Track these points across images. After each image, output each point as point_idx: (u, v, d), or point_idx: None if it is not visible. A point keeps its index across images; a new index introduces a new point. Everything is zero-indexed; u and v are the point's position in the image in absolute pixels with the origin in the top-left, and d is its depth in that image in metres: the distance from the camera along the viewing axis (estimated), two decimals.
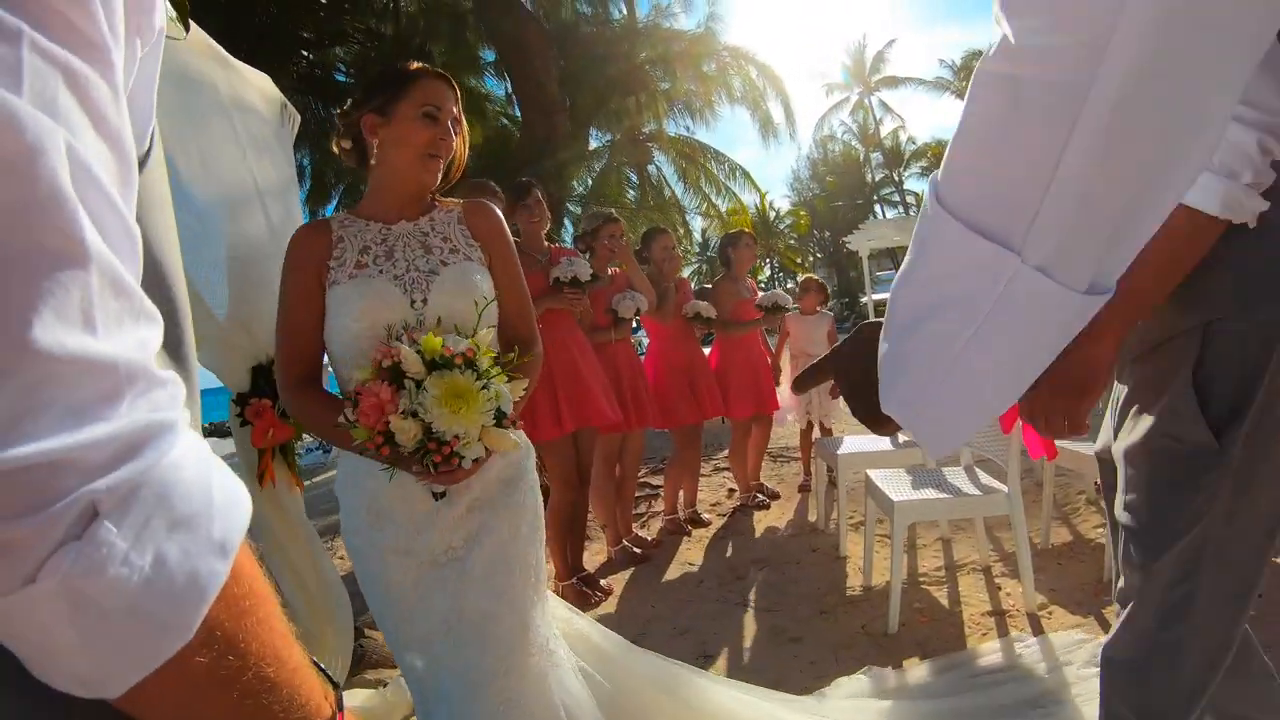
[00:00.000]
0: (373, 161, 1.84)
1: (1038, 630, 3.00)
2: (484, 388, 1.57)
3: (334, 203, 11.22)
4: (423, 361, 1.56)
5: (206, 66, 2.17)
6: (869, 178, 46.93)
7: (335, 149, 1.91)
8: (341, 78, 10.04)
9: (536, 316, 2.01)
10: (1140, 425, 1.42)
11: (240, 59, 2.36)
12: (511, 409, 1.62)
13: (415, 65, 1.84)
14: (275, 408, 2.47)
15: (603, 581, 3.99)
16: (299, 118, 2.72)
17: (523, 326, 1.92)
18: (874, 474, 3.57)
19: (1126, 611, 1.46)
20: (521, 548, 1.80)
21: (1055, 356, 0.78)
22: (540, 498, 1.91)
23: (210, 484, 0.48)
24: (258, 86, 2.49)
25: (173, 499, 0.45)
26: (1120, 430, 1.50)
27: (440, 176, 1.85)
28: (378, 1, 9.92)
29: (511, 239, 1.94)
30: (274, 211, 2.35)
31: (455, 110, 1.84)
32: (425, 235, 1.84)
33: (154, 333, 0.48)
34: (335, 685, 0.63)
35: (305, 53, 9.46)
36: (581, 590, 3.87)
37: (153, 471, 0.44)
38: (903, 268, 0.76)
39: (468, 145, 1.93)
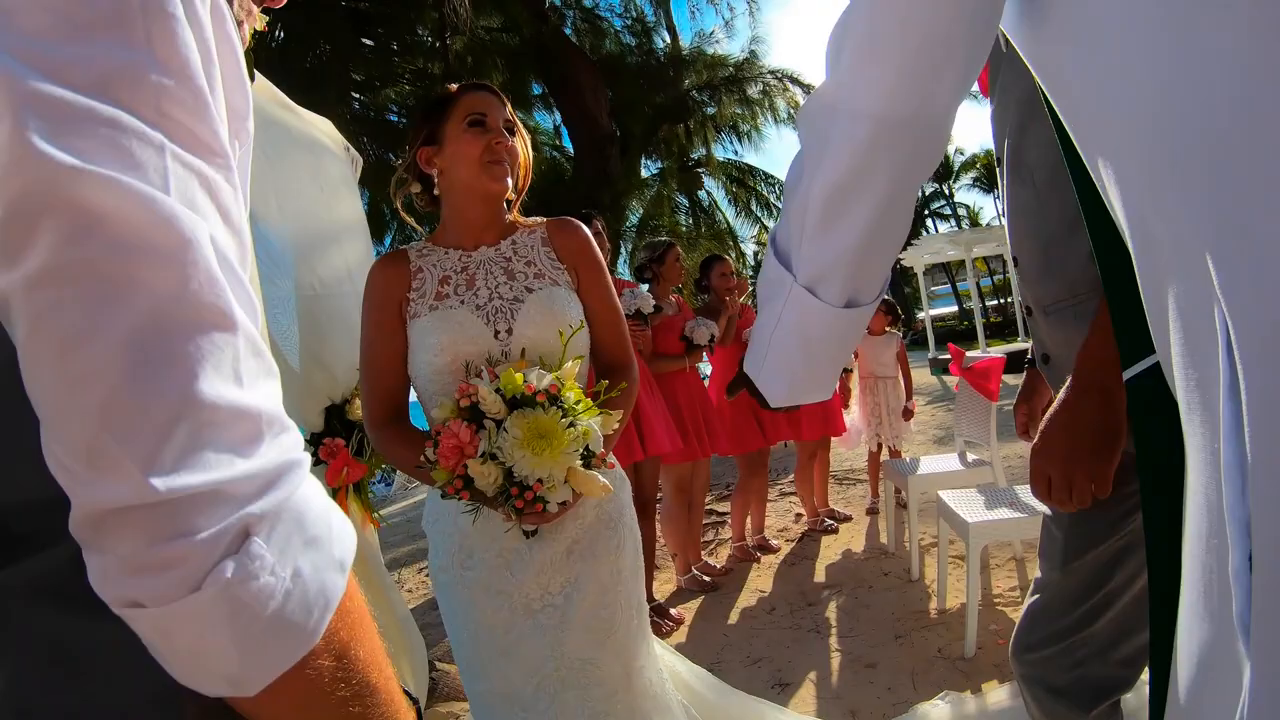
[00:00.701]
0: (437, 192, 1.77)
1: None
2: (570, 425, 1.46)
3: (390, 237, 11.47)
4: (503, 400, 1.47)
5: (275, 110, 2.22)
6: (919, 192, 46.47)
7: (396, 200, 1.83)
8: (394, 118, 10.28)
9: None
10: None
11: (298, 98, 2.42)
12: (602, 446, 1.52)
13: (453, 86, 1.77)
14: (349, 446, 2.50)
15: (673, 611, 3.94)
16: (361, 159, 2.78)
17: (618, 351, 1.80)
18: (945, 495, 3.49)
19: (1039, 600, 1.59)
20: (625, 590, 1.71)
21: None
22: (639, 532, 1.82)
23: (330, 512, 0.59)
24: (322, 129, 2.55)
25: (305, 523, 0.56)
26: None
27: (509, 183, 1.74)
28: (425, 42, 10.14)
29: (601, 256, 1.82)
30: (350, 250, 2.38)
31: (507, 114, 1.75)
32: (508, 260, 1.74)
33: (278, 386, 0.58)
34: (415, 702, 0.71)
35: (357, 95, 9.71)
36: (652, 620, 3.84)
37: (290, 500, 0.55)
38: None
39: (530, 148, 1.83)
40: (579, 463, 1.48)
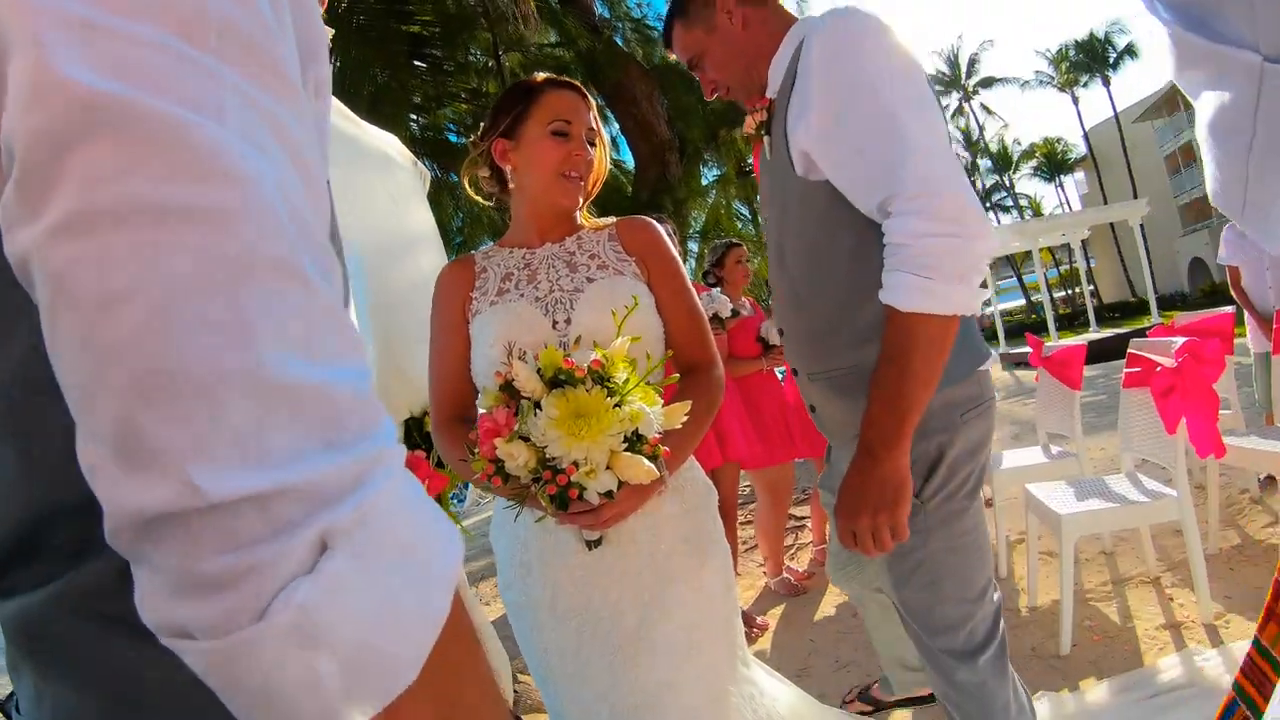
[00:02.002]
0: (511, 186, 1.72)
1: (1216, 641, 2.80)
2: (616, 406, 1.34)
3: (454, 254, 11.69)
4: (541, 379, 1.38)
5: (343, 125, 2.25)
6: (979, 185, 45.53)
7: (463, 179, 1.80)
8: (453, 137, 10.46)
9: None
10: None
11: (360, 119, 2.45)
12: (655, 430, 1.38)
13: (542, 77, 1.70)
14: (430, 458, 2.51)
15: (757, 618, 3.86)
16: (429, 175, 2.81)
17: (696, 349, 1.68)
18: (1033, 488, 3.38)
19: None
20: (712, 612, 1.60)
21: None
22: (728, 548, 1.71)
23: (433, 518, 0.47)
24: (391, 144, 2.58)
25: (399, 531, 0.44)
26: None
27: (581, 198, 1.68)
28: (479, 62, 10.29)
29: (674, 251, 1.73)
30: (423, 259, 2.40)
31: (591, 121, 1.67)
32: (571, 255, 1.68)
33: (365, 362, 0.47)
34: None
35: (415, 116, 9.90)
36: None
37: (380, 503, 0.43)
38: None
39: (608, 156, 1.76)
40: (622, 446, 1.35)
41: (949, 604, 1.64)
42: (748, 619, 3.81)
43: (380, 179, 2.28)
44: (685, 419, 1.47)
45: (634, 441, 1.37)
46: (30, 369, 0.47)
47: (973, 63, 44.74)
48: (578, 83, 1.71)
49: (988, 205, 44.19)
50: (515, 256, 1.70)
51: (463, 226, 10.62)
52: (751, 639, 3.69)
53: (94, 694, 0.50)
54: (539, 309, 1.61)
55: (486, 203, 1.85)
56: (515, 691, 3.02)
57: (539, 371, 1.39)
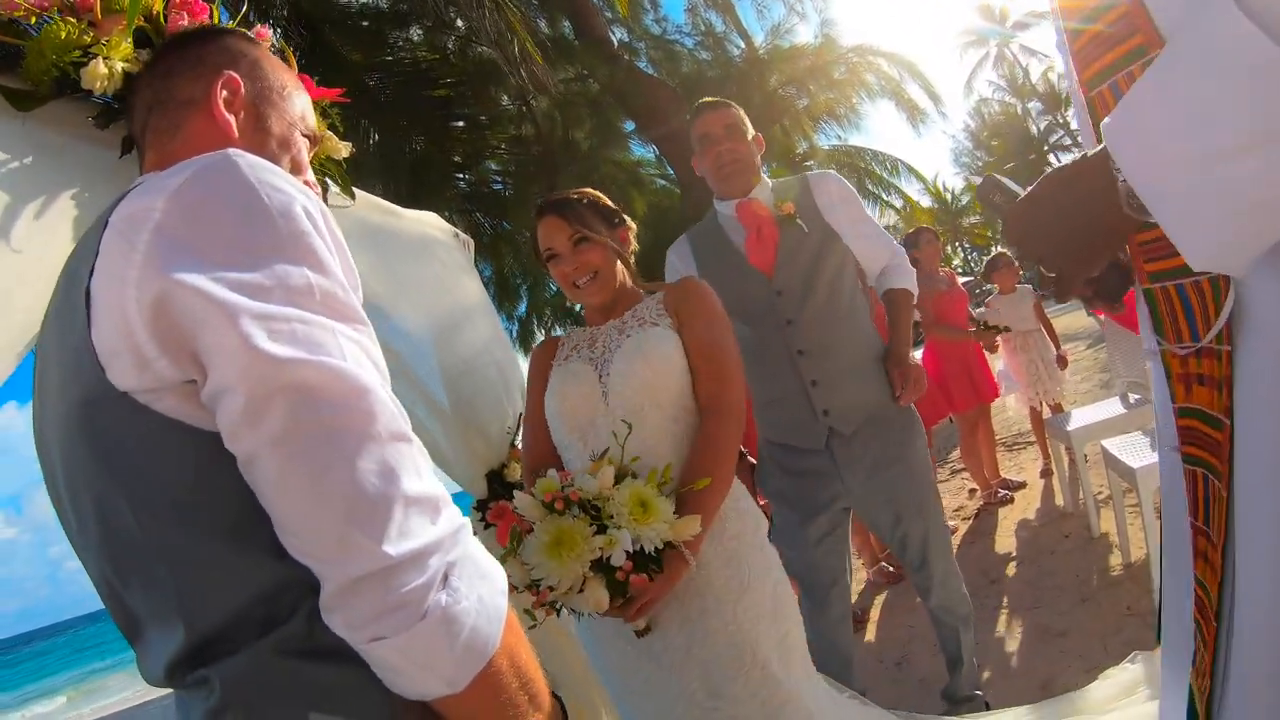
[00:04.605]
0: None
1: None
2: (598, 531, 1.52)
3: (524, 300, 11.88)
4: (541, 505, 1.59)
5: (382, 219, 2.44)
6: (1034, 130, 44.03)
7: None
8: (499, 187, 10.74)
9: None
10: None
11: (404, 189, 2.62)
12: (624, 559, 1.49)
13: (536, 209, 2.01)
14: (513, 507, 2.67)
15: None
16: (471, 241, 2.99)
17: (711, 392, 1.80)
18: (1109, 444, 3.37)
19: None
20: (760, 628, 1.70)
21: None
22: (776, 560, 1.83)
23: (488, 557, 0.86)
24: (429, 223, 2.76)
25: (479, 564, 0.83)
26: None
27: (601, 290, 1.93)
28: (510, 109, 10.53)
29: (713, 307, 1.90)
30: (481, 326, 2.59)
31: (573, 230, 1.89)
32: (624, 323, 1.91)
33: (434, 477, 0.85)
34: (558, 698, 0.97)
35: (459, 174, 10.19)
36: (886, 570, 3.99)
37: (466, 549, 0.82)
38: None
39: (631, 232, 2.03)
40: (596, 572, 1.51)
41: None
42: (896, 566, 3.97)
43: (425, 262, 2.47)
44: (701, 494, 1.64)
45: (606, 567, 1.51)
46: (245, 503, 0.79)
47: (1006, 10, 43.59)
48: (562, 196, 1.98)
49: (1046, 148, 42.76)
50: (586, 333, 1.99)
51: (526, 271, 10.87)
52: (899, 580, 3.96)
53: (289, 701, 0.78)
54: (590, 365, 1.89)
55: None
56: None
57: (542, 501, 1.59)
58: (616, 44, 10.87)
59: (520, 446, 2.07)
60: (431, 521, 0.78)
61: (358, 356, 0.80)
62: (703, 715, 1.64)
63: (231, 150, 0.85)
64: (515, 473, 2.60)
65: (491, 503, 2.68)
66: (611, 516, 1.55)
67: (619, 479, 1.61)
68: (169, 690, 0.87)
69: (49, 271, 1.05)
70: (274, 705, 0.78)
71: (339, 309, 0.81)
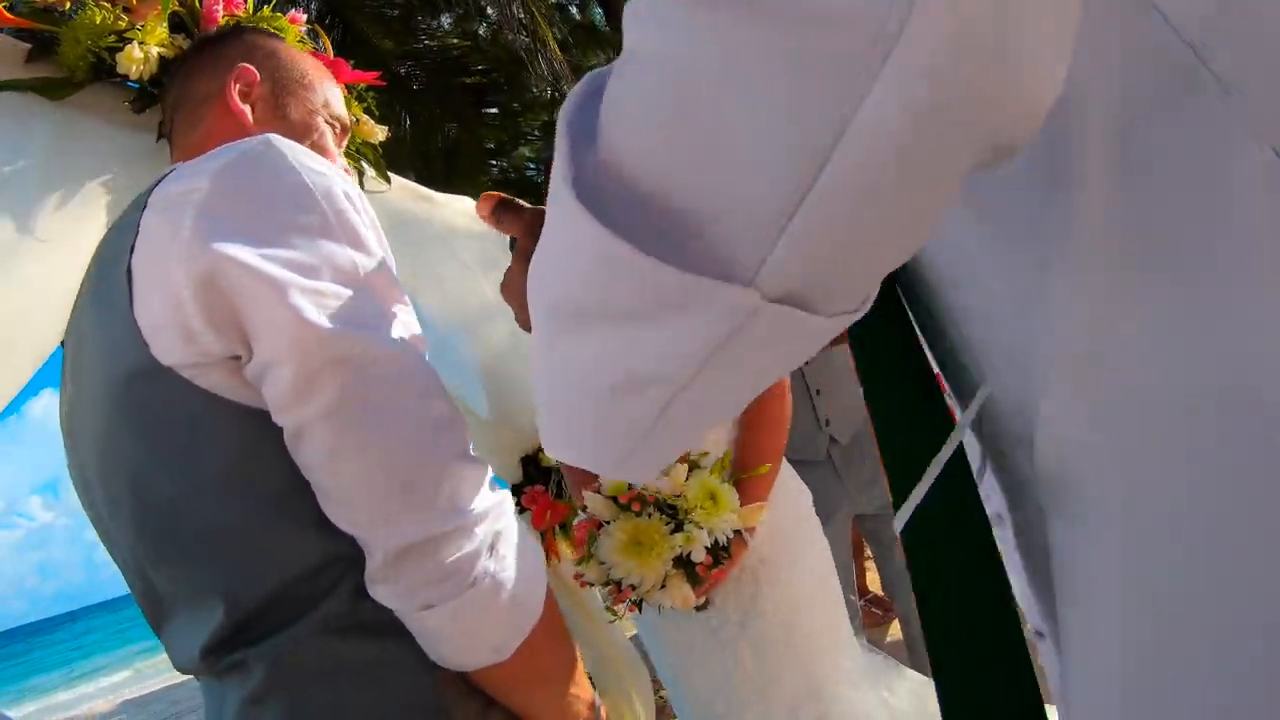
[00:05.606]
0: None
1: None
2: (674, 532, 1.52)
3: None
4: (615, 504, 1.58)
5: (417, 206, 2.43)
6: None
7: None
8: (532, 173, 10.74)
9: None
10: None
11: (438, 176, 2.60)
12: (704, 555, 1.51)
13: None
14: (548, 491, 2.67)
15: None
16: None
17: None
18: None
19: None
20: (808, 606, 1.72)
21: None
22: (824, 540, 1.84)
23: (524, 531, 0.87)
24: (464, 212, 2.75)
25: (522, 534, 0.85)
26: None
27: None
28: (542, 95, 10.53)
29: None
30: (512, 320, 2.58)
31: None
32: None
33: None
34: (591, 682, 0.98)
35: (493, 161, 10.20)
36: (871, 611, 3.84)
37: (509, 521, 0.84)
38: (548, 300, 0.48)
39: None
40: (677, 568, 1.54)
41: None
42: (879, 602, 3.84)
43: (456, 250, 2.46)
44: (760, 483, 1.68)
45: (686, 563, 1.53)
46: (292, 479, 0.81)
47: None
48: None
49: None
50: None
51: None
52: (878, 622, 3.75)
53: (332, 680, 0.79)
54: None
55: None
56: (660, 696, 3.13)
57: (613, 499, 1.59)
58: None
59: None
60: (478, 491, 0.80)
61: (399, 331, 0.82)
62: (752, 693, 1.66)
63: (271, 135, 0.87)
64: (549, 459, 2.60)
65: (526, 487, 2.69)
66: (686, 512, 1.55)
67: (690, 471, 1.62)
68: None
69: (81, 260, 1.05)
70: (317, 685, 0.78)
71: (382, 287, 0.84)
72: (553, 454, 0.55)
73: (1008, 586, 0.61)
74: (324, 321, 0.75)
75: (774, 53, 0.30)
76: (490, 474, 0.85)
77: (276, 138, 0.86)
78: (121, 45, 1.28)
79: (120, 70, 1.28)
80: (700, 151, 0.34)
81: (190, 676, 0.98)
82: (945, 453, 0.63)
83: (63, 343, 1.06)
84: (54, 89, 1.29)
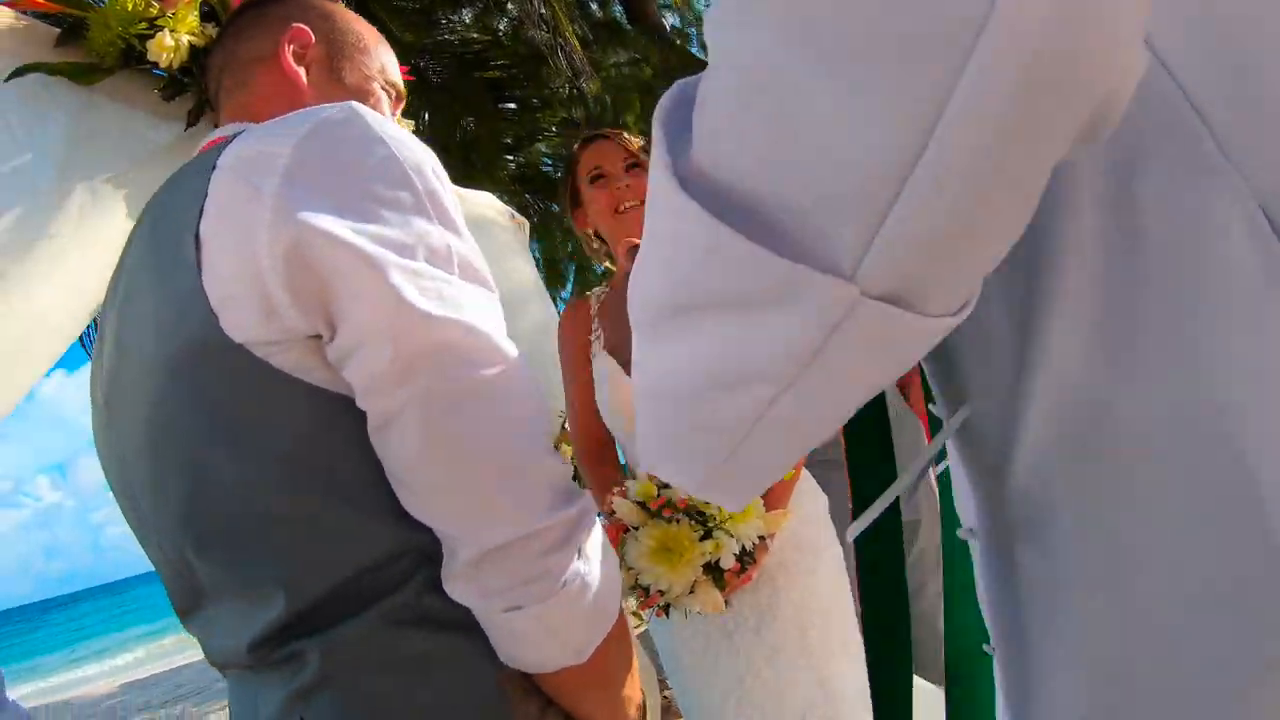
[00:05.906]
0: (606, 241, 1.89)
1: None
2: (704, 536, 1.52)
3: (570, 282, 11.93)
4: (642, 508, 1.56)
5: None
6: None
7: (599, 258, 1.98)
8: (549, 169, 10.73)
9: None
10: None
11: (455, 170, 2.60)
12: (732, 562, 1.52)
13: (577, 144, 1.89)
14: (611, 511, 2.65)
15: None
16: (526, 223, 2.97)
17: None
18: None
19: None
20: (822, 609, 1.71)
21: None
22: (838, 547, 1.81)
23: (603, 533, 0.82)
24: (485, 204, 2.76)
25: (602, 539, 0.80)
26: None
27: (642, 225, 1.77)
28: (561, 91, 10.51)
29: None
30: (534, 310, 2.58)
31: (628, 155, 1.79)
32: None
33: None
34: None
35: (510, 156, 10.18)
36: None
37: (594, 520, 0.78)
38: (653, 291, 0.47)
39: None
40: (706, 574, 1.53)
41: None
42: None
43: (481, 239, 2.47)
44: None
45: (715, 569, 1.53)
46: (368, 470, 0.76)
47: None
48: (609, 131, 1.88)
49: None
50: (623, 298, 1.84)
51: (574, 253, 10.88)
52: None
53: (389, 674, 0.76)
54: None
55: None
56: (665, 696, 3.13)
57: (642, 504, 1.56)
58: (669, 28, 10.79)
59: (568, 429, 1.96)
60: (567, 488, 0.75)
61: (493, 318, 0.76)
62: (765, 694, 1.65)
63: (353, 103, 0.80)
64: (566, 454, 2.60)
65: None
66: (714, 518, 1.54)
67: None
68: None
69: (95, 256, 1.04)
70: (373, 678, 0.74)
71: (473, 272, 0.77)
72: (647, 467, 0.53)
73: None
74: (424, 304, 0.69)
75: (861, 38, 0.30)
76: (572, 471, 0.80)
77: (359, 106, 0.80)
78: (152, 32, 1.28)
79: (150, 57, 1.28)
80: (794, 145, 0.34)
81: (193, 661, 0.94)
82: (916, 468, 0.68)
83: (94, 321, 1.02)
84: (82, 74, 1.28)
